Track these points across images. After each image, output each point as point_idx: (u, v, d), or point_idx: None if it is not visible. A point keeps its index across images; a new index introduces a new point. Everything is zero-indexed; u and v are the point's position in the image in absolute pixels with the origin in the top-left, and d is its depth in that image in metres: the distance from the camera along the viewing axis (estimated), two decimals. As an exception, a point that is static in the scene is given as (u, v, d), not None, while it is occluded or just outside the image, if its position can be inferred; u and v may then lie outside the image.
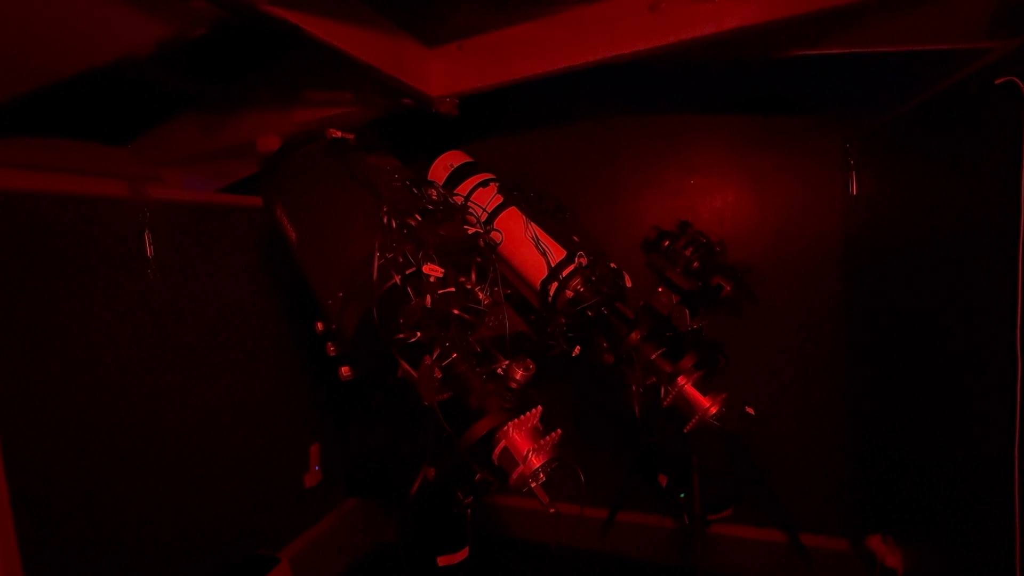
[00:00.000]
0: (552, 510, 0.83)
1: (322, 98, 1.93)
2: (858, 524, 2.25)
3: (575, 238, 1.44)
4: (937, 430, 1.66)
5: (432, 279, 0.92)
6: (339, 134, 1.18)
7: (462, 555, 1.09)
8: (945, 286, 1.60)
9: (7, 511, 1.43)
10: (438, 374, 0.87)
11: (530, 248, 1.40)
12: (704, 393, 1.24)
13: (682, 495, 1.95)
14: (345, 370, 1.03)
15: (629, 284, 1.44)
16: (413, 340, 0.91)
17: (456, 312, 0.93)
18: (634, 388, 1.32)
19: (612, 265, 1.44)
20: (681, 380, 1.25)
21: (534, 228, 1.42)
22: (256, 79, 1.97)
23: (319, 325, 1.06)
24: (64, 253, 1.62)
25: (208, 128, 2.09)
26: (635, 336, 1.33)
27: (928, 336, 1.71)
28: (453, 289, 0.95)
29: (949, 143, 1.58)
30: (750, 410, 1.50)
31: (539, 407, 0.86)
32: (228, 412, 2.13)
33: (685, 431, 1.27)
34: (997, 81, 1.31)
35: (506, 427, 0.82)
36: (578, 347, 1.34)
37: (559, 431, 0.85)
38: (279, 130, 2.00)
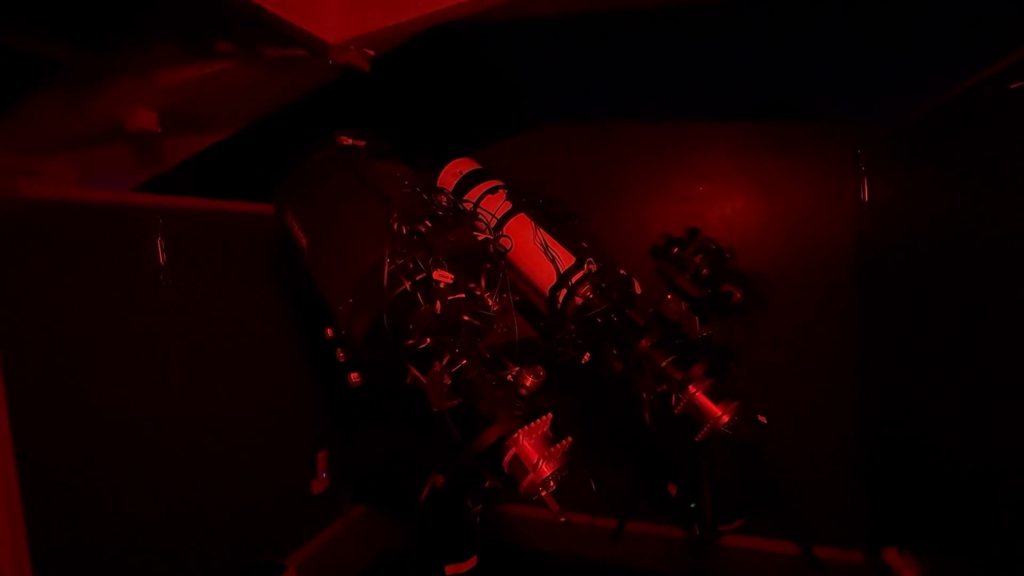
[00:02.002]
0: (562, 519, 0.82)
1: (175, 53, 1.53)
2: (874, 536, 2.20)
3: (584, 244, 1.43)
4: (956, 439, 1.63)
5: (442, 285, 0.92)
6: (349, 141, 1.19)
7: (470, 564, 1.08)
8: (961, 292, 1.57)
9: (18, 511, 1.44)
10: (447, 380, 0.87)
11: (539, 254, 1.40)
12: (716, 401, 1.23)
13: (692, 505, 1.93)
14: (354, 376, 1.03)
15: (639, 291, 1.44)
16: (423, 346, 0.91)
17: (466, 318, 0.93)
18: (645, 396, 1.30)
19: (621, 272, 1.43)
20: (692, 388, 1.24)
21: (543, 234, 1.41)
22: (115, 37, 1.57)
23: (329, 331, 1.07)
24: (80, 259, 1.64)
25: (73, 105, 1.69)
26: (645, 343, 1.32)
27: (944, 343, 1.68)
28: (463, 295, 0.95)
29: (963, 148, 1.57)
30: (762, 418, 1.47)
31: (549, 414, 0.85)
32: (236, 418, 2.14)
33: (696, 440, 1.25)
34: (1012, 86, 1.29)
35: (516, 434, 0.81)
36: (588, 354, 1.33)
37: (569, 439, 0.84)
38: (148, 101, 1.64)
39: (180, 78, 1.56)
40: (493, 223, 1.43)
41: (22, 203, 1.52)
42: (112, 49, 1.56)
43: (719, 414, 1.21)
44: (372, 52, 1.46)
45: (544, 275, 1.40)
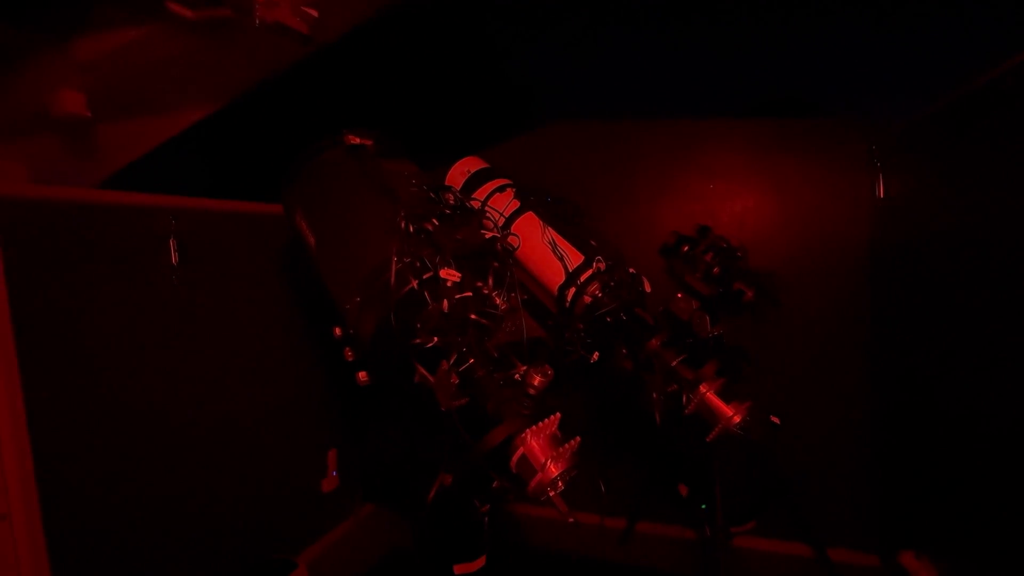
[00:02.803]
0: (571, 520, 0.81)
1: (77, 18, 1.35)
2: (889, 539, 2.16)
3: (593, 243, 1.42)
4: (975, 440, 1.59)
5: (449, 284, 0.92)
6: (357, 140, 1.19)
7: (479, 563, 1.07)
8: (979, 290, 1.54)
9: (35, 508, 1.46)
10: (455, 380, 0.86)
11: (547, 253, 1.39)
12: (727, 401, 1.21)
13: (703, 506, 1.91)
14: (362, 375, 1.03)
15: (648, 289, 1.42)
16: (430, 345, 0.91)
17: (473, 317, 0.93)
18: (655, 395, 1.29)
19: (631, 270, 1.42)
20: (703, 388, 1.22)
21: (551, 233, 1.40)
22: (31, 13, 1.37)
23: (337, 330, 1.07)
24: (94, 258, 1.67)
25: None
26: (655, 342, 1.30)
27: (962, 342, 1.64)
28: (470, 294, 0.94)
29: (983, 142, 1.53)
30: (775, 419, 1.45)
31: (558, 414, 0.85)
32: (247, 416, 2.16)
33: (707, 440, 1.23)
34: (1034, 78, 1.26)
35: (524, 434, 0.80)
36: (596, 353, 1.32)
37: (578, 439, 0.83)
38: (69, 80, 1.48)
39: (96, 51, 1.37)
40: (501, 221, 1.43)
41: (38, 205, 1.54)
42: (17, 19, 1.36)
43: (730, 414, 1.19)
44: (315, 13, 1.30)
45: (552, 274, 1.39)
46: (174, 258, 1.89)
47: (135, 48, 1.40)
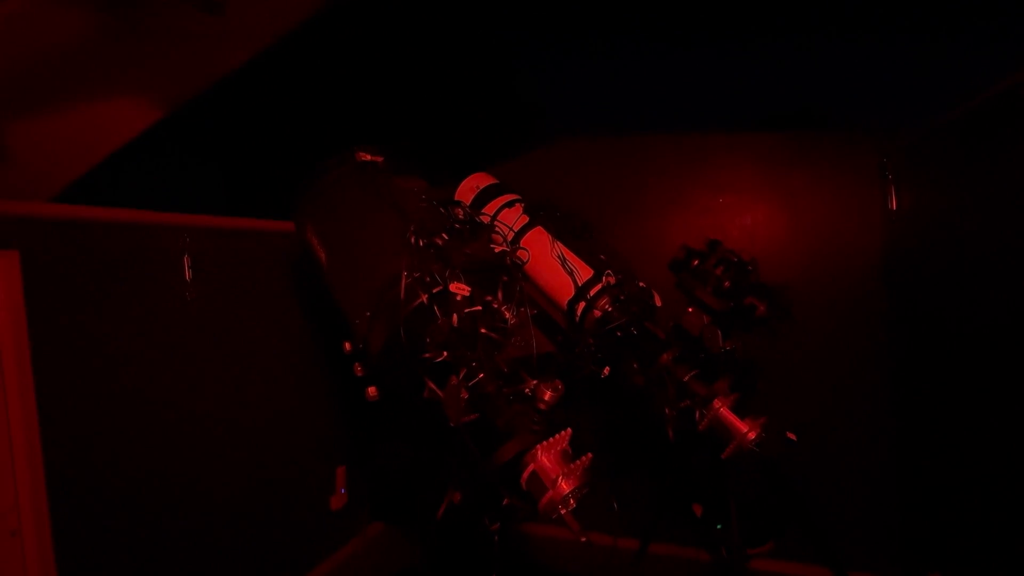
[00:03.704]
0: (583, 539, 0.79)
1: None
2: (913, 562, 2.09)
3: (602, 257, 1.42)
4: (1002, 458, 1.54)
5: (459, 298, 0.92)
6: (368, 157, 1.21)
7: (489, 584, 1.05)
8: (999, 303, 1.50)
9: (46, 527, 1.47)
10: (464, 394, 0.86)
11: (557, 267, 1.39)
12: (742, 417, 1.19)
13: (719, 526, 1.86)
14: (372, 390, 1.03)
15: (659, 304, 1.41)
16: (439, 360, 0.90)
17: (483, 331, 0.92)
18: (667, 411, 1.27)
19: (641, 284, 1.41)
20: (717, 403, 1.20)
21: (560, 247, 1.41)
22: None
23: (347, 345, 1.07)
24: (110, 275, 1.69)
25: None
26: (666, 357, 1.29)
27: (983, 356, 1.60)
28: (480, 308, 0.94)
29: (996, 153, 1.51)
30: (791, 436, 1.42)
31: (568, 430, 0.83)
32: (255, 433, 2.15)
33: (722, 457, 1.21)
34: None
35: (535, 450, 0.79)
36: (607, 368, 1.31)
37: (590, 455, 0.82)
38: None
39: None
40: (510, 236, 1.43)
41: (55, 223, 1.58)
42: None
43: (745, 430, 1.17)
44: None
45: (562, 288, 1.39)
46: (188, 274, 1.92)
47: (21, 28, 1.12)
